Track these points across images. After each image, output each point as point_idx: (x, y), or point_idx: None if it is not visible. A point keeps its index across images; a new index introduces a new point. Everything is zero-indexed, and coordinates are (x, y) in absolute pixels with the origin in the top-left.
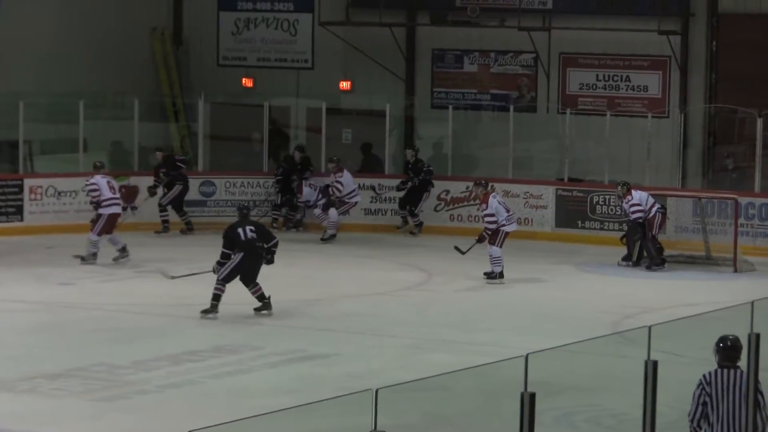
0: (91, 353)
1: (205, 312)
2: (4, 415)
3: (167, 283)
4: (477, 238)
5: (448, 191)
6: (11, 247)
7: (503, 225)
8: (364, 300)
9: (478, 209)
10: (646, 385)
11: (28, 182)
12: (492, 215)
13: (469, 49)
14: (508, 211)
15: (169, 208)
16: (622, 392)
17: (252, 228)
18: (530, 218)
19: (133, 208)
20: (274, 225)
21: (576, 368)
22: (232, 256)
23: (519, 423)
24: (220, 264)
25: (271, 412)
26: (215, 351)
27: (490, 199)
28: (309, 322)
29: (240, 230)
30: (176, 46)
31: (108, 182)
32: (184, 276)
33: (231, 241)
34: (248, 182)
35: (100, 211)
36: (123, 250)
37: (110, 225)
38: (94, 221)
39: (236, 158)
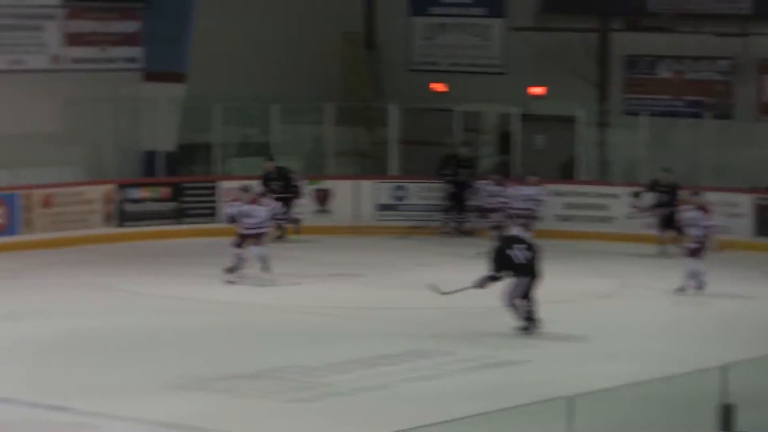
0: (286, 355)
1: (524, 329)
2: (200, 413)
3: (358, 286)
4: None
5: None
6: (205, 248)
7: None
8: (555, 307)
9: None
10: None
11: (224, 185)
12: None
13: (663, 54)
14: None
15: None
16: None
17: (524, 246)
18: (727, 227)
19: (296, 221)
20: (444, 231)
21: None
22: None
23: None
24: (486, 280)
25: (464, 417)
26: (408, 355)
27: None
28: (499, 328)
29: (510, 251)
30: (368, 51)
31: (252, 208)
32: (454, 292)
33: (501, 263)
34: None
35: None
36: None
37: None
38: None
39: (427, 163)
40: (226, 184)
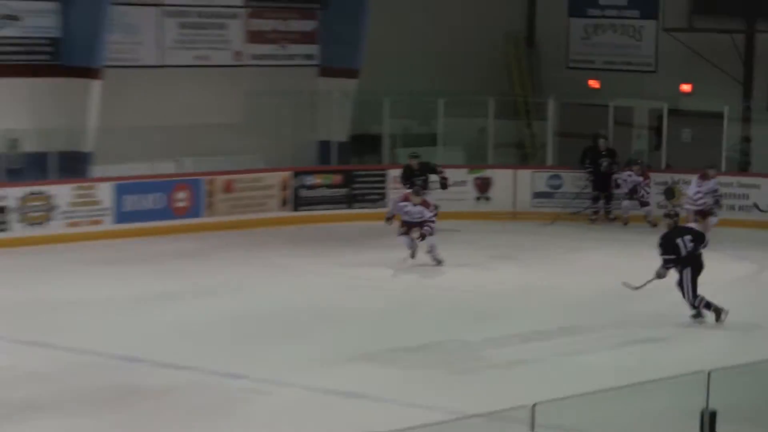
0: (448, 330)
1: (695, 316)
2: (369, 383)
3: (516, 268)
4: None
5: None
6: (375, 232)
7: None
8: (704, 288)
9: None
10: None
11: (392, 173)
12: None
13: None
14: None
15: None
16: None
17: (690, 237)
18: None
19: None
20: (592, 218)
21: None
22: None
23: None
24: (665, 268)
25: (610, 389)
26: (559, 331)
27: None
28: (645, 308)
29: (679, 240)
30: (528, 49)
31: (418, 210)
32: (644, 285)
33: (671, 250)
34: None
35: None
36: (411, 256)
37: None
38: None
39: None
40: (393, 172)
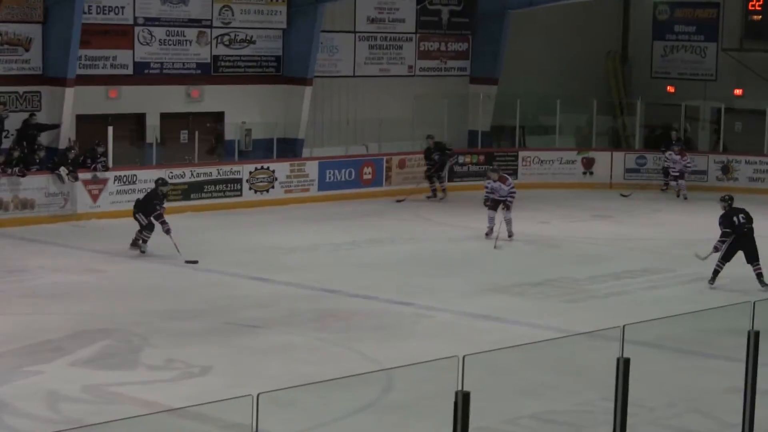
0: (560, 270)
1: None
2: (501, 309)
3: (612, 224)
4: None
5: None
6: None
7: None
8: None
9: None
10: None
11: (522, 154)
12: None
13: None
14: None
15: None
16: None
17: (743, 215)
18: None
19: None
20: (663, 188)
21: None
22: (728, 239)
23: None
24: (721, 242)
25: (678, 315)
26: (643, 271)
27: None
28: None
29: (735, 218)
30: (623, 64)
31: (498, 185)
32: (707, 256)
33: (729, 225)
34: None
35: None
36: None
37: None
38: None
39: (659, 141)
40: (523, 154)
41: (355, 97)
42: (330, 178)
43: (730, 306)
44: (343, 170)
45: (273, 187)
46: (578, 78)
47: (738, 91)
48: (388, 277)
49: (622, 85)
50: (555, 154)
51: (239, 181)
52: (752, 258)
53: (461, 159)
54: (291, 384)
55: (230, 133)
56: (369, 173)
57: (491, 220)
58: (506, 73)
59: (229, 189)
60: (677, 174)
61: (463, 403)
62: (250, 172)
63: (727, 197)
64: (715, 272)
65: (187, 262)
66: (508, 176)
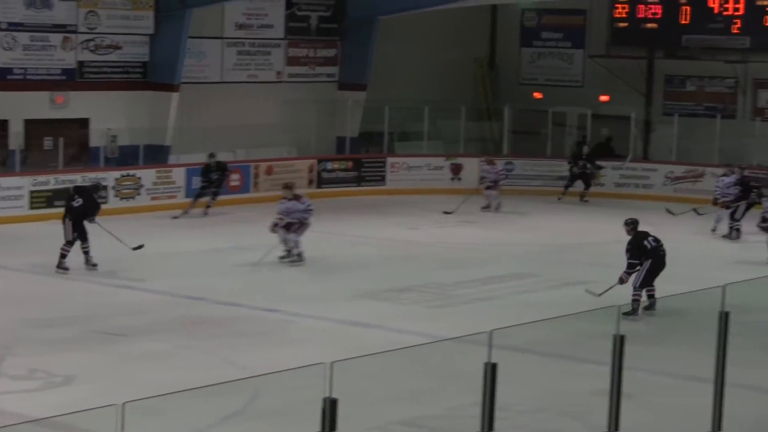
0: (428, 275)
1: (627, 313)
2: (370, 314)
3: (478, 229)
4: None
5: (673, 171)
6: (377, 203)
7: None
8: (615, 245)
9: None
10: None
11: (390, 160)
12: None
13: (690, 74)
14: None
15: None
16: None
17: (652, 238)
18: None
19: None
20: (559, 199)
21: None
22: (640, 266)
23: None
24: (627, 274)
25: (546, 319)
26: (511, 276)
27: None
28: (576, 258)
29: (645, 241)
30: (491, 70)
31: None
32: (605, 291)
33: (640, 251)
34: (540, 163)
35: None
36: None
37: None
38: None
39: (529, 146)
40: (391, 160)
41: (223, 104)
42: (197, 184)
43: (596, 310)
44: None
45: (139, 193)
46: (447, 84)
47: (604, 98)
48: (255, 284)
49: (489, 91)
50: (423, 160)
51: (105, 188)
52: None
53: (329, 165)
54: (159, 392)
55: (96, 140)
56: (237, 180)
57: (286, 242)
58: (375, 79)
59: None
60: (491, 184)
61: (330, 409)
62: (116, 179)
63: (630, 221)
64: (635, 302)
65: (135, 248)
66: (303, 195)
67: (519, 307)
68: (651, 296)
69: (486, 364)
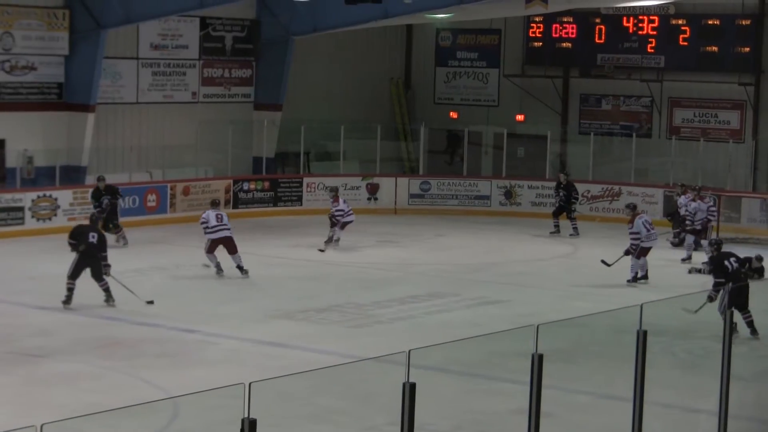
0: (345, 295)
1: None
2: (287, 335)
3: (397, 250)
4: (624, 252)
5: (589, 190)
6: (294, 224)
7: (643, 241)
8: (531, 264)
9: (628, 227)
10: None
11: (306, 180)
12: (637, 233)
13: (606, 93)
14: (649, 230)
15: None
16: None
17: (734, 258)
18: (646, 210)
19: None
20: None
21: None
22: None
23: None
24: (715, 292)
25: (463, 339)
26: (429, 296)
27: (636, 219)
28: (493, 278)
29: (726, 262)
30: (406, 90)
31: (217, 215)
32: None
33: (722, 271)
34: (457, 183)
35: (207, 236)
36: (218, 268)
37: (214, 246)
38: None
39: (445, 166)
40: (308, 180)
41: (139, 124)
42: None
43: (514, 330)
44: (127, 197)
45: (56, 215)
46: (363, 103)
47: (520, 117)
48: (173, 304)
49: (405, 110)
50: (340, 180)
51: (21, 209)
52: (744, 306)
53: (246, 186)
54: (76, 413)
55: (12, 161)
56: (153, 200)
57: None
58: (291, 99)
59: (11, 218)
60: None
61: (249, 430)
62: (33, 200)
63: (714, 241)
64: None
65: (148, 302)
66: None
67: (437, 327)
68: (749, 323)
69: (405, 384)
